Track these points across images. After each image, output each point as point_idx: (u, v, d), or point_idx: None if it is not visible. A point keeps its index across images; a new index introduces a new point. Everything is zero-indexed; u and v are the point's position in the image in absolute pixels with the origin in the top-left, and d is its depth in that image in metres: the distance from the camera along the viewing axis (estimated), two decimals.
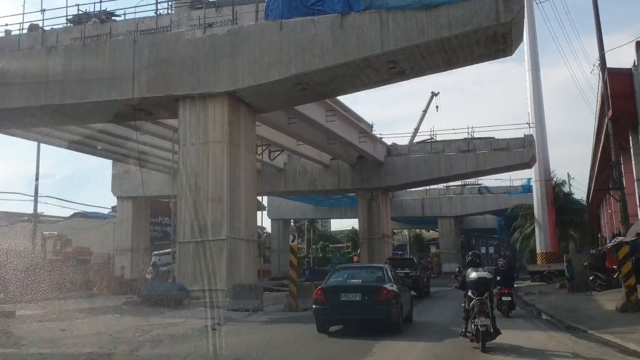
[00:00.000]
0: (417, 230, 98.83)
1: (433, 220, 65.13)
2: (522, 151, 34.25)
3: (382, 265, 13.60)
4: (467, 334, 9.41)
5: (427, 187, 62.48)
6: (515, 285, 18.73)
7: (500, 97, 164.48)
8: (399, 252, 54.14)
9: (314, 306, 11.53)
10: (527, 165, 35.10)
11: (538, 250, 38.21)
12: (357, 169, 37.10)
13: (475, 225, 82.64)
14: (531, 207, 39.78)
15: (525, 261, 45.81)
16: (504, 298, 14.94)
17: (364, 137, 32.56)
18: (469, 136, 35.35)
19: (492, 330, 9.11)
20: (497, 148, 34.75)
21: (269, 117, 24.33)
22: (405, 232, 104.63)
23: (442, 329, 12.49)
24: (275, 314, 15.95)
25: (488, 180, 76.99)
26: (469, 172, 35.55)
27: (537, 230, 38.48)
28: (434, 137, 37.62)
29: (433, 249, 79.56)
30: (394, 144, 37.58)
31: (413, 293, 17.19)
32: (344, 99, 29.76)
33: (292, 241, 18.20)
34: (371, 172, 36.80)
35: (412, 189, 64.42)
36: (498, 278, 14.35)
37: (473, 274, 9.63)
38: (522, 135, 34.69)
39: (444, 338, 10.81)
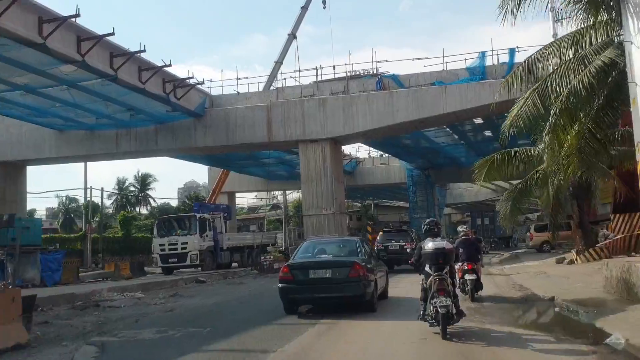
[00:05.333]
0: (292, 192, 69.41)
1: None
2: None
3: (354, 238, 13.25)
4: (426, 317, 8.13)
5: (278, 78, 31.62)
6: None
7: None
8: None
9: (279, 285, 10.69)
10: None
11: None
12: None
13: (373, 179, 53.02)
14: None
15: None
16: (467, 276, 11.84)
17: None
18: None
19: (454, 311, 7.90)
20: None
21: None
22: (280, 196, 74.80)
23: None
24: None
25: (398, 65, 42.05)
26: None
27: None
28: None
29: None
30: None
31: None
32: None
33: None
34: None
35: (246, 91, 32.01)
36: (460, 250, 11.67)
37: (429, 244, 8.30)
38: None
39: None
